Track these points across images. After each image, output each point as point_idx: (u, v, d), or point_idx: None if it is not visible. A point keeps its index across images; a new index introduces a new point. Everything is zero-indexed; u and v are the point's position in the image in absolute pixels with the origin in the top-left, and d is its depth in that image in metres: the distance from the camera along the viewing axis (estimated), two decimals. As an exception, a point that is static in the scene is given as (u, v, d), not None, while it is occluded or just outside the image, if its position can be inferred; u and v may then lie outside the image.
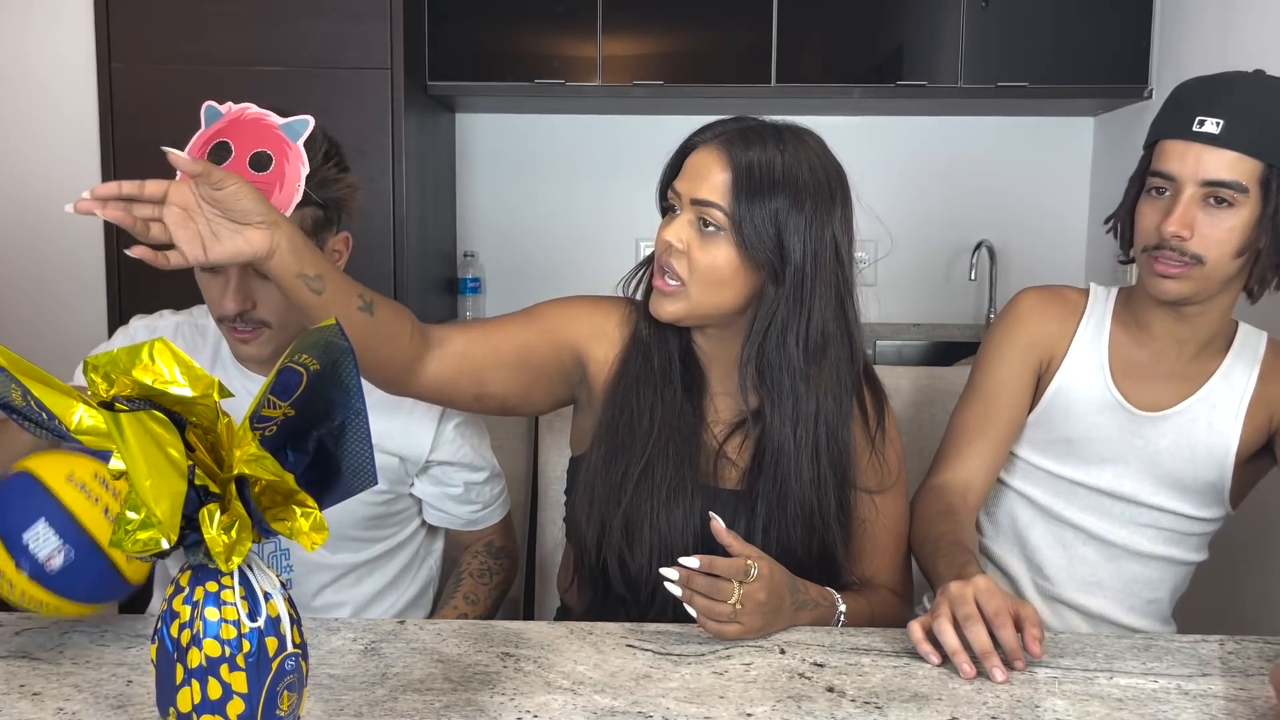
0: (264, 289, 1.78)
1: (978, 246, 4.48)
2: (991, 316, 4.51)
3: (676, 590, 1.49)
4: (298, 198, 1.69)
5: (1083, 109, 4.42)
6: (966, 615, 1.47)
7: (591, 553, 1.80)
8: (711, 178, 1.68)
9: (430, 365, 1.73)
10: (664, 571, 1.50)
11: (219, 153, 1.69)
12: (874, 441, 1.83)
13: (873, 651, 1.52)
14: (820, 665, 1.47)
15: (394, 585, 2.06)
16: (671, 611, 1.63)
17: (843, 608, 1.68)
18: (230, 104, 1.73)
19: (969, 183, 4.60)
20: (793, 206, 1.66)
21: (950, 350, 4.24)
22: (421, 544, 2.12)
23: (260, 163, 1.70)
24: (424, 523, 2.11)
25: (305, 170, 1.71)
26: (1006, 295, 4.53)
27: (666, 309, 1.72)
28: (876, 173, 4.56)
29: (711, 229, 1.68)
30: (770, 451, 1.75)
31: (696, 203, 1.69)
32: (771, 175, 1.66)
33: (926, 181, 4.60)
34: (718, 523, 1.53)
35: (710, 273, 1.68)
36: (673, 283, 1.71)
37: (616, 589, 1.78)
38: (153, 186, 1.45)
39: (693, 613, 1.50)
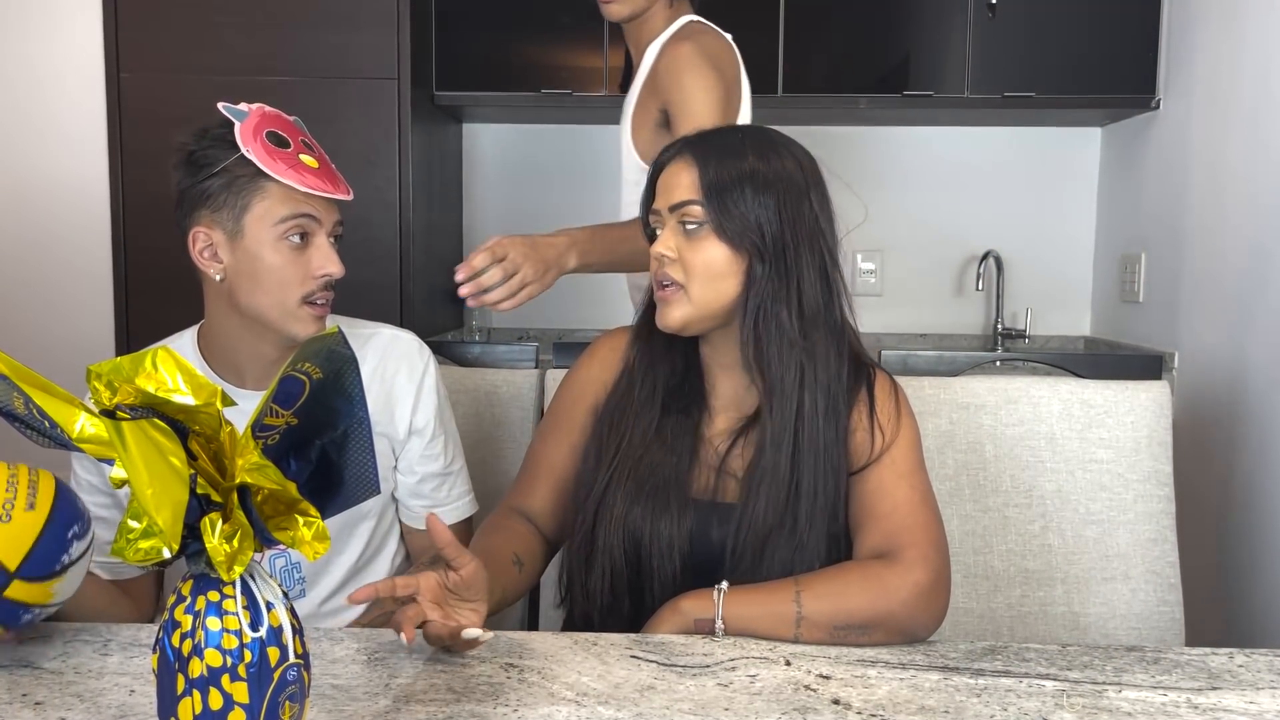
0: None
1: (984, 256, 4.47)
2: (999, 326, 4.51)
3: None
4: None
5: (1090, 119, 4.42)
6: None
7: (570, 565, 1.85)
8: (682, 180, 1.75)
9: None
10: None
11: (277, 140, 1.83)
12: (873, 413, 1.78)
13: (879, 663, 1.51)
14: (826, 677, 1.46)
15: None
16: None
17: None
18: (244, 104, 1.85)
19: (976, 193, 4.60)
20: (763, 186, 1.72)
21: (957, 361, 4.24)
22: (398, 537, 2.13)
23: (309, 146, 1.88)
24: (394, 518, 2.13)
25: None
26: (1013, 305, 4.54)
27: (673, 315, 1.75)
28: (883, 182, 4.57)
29: (694, 227, 1.73)
30: (768, 448, 1.73)
31: (674, 209, 1.75)
32: (736, 161, 1.74)
33: (933, 191, 4.60)
34: None
35: (705, 268, 1.73)
36: (672, 288, 1.75)
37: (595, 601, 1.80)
38: (403, 586, 1.50)
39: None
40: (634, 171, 2.68)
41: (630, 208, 2.63)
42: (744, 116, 2.62)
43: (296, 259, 1.84)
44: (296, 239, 1.83)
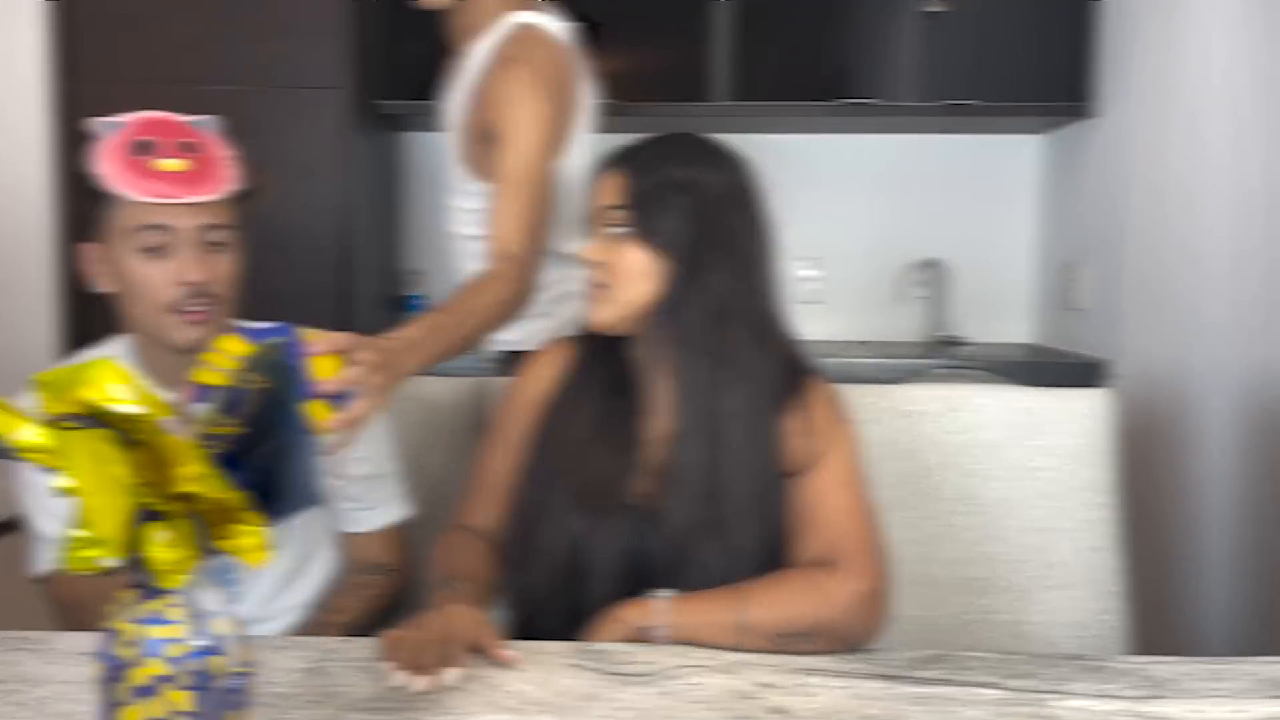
0: (216, 261, 1.84)
1: (926, 264, 4.49)
2: (940, 334, 4.53)
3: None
4: (232, 176, 1.85)
5: (1030, 126, 4.44)
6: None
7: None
8: (607, 188, 1.80)
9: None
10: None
11: (143, 149, 1.78)
12: (810, 420, 1.79)
13: (821, 671, 1.52)
14: (768, 685, 1.47)
15: (320, 585, 2.05)
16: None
17: None
18: (129, 115, 1.83)
19: (918, 200, 4.61)
20: (679, 192, 1.76)
21: (898, 368, 4.26)
22: (332, 542, 2.10)
23: (190, 148, 1.81)
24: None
25: (230, 155, 1.87)
26: (956, 313, 4.57)
27: (601, 314, 1.80)
28: (825, 189, 4.57)
29: (619, 230, 1.77)
30: (678, 446, 1.75)
31: (600, 214, 1.80)
32: (658, 169, 1.78)
33: (875, 198, 4.61)
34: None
35: (627, 271, 1.76)
36: (598, 289, 1.80)
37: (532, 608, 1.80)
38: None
39: None
40: (458, 179, 2.58)
41: (458, 214, 2.60)
42: (584, 118, 2.56)
43: (157, 268, 1.81)
44: (152, 249, 1.80)
